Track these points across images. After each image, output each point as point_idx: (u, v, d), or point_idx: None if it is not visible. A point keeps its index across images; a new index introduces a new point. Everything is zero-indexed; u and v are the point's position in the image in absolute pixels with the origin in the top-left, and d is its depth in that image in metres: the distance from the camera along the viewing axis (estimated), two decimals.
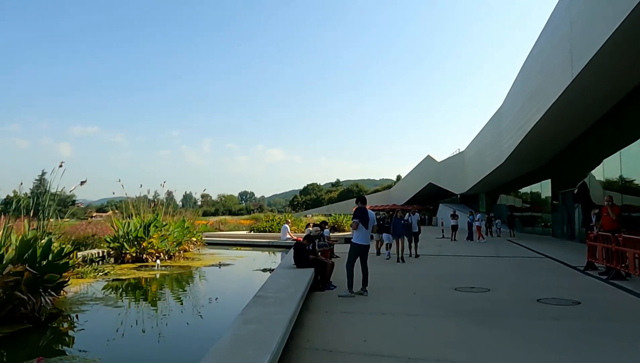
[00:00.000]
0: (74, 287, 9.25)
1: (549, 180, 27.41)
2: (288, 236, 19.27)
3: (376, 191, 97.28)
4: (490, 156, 30.73)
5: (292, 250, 9.77)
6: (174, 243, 14.19)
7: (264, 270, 11.81)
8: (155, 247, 13.28)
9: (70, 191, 8.30)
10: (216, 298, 9.05)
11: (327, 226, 15.13)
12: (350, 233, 22.90)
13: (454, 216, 24.35)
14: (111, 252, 13.37)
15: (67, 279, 8.35)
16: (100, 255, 13.37)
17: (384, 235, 14.10)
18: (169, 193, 24.60)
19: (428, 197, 60.66)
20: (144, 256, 13.14)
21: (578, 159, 22.19)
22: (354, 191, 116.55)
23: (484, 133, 34.08)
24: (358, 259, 8.06)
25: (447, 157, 50.83)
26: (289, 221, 21.39)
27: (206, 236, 22.94)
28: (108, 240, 13.27)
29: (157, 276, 11.26)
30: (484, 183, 36.84)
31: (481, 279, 9.75)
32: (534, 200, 31.48)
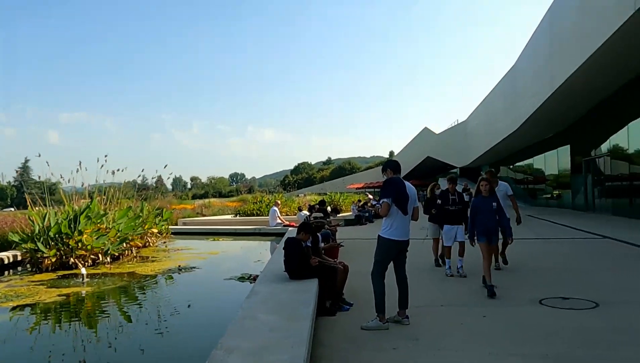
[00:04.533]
0: None
1: (568, 146, 24.46)
2: (278, 221, 16.08)
3: (369, 167, 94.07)
4: (502, 122, 27.53)
5: (281, 247, 6.53)
6: (118, 240, 10.64)
7: (241, 279, 8.33)
8: (89, 247, 9.67)
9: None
10: None
11: (326, 207, 11.90)
12: (350, 213, 19.99)
13: (466, 190, 21.29)
14: (27, 257, 9.73)
15: None
16: (17, 259, 9.87)
17: (447, 228, 7.33)
18: (159, 178, 21.29)
19: (426, 172, 57.80)
20: (72, 260, 9.29)
21: (602, 122, 19.26)
22: (346, 169, 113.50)
23: (493, 98, 30.85)
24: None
25: (446, 128, 47.77)
26: (279, 202, 18.11)
27: (183, 224, 19.77)
28: (17, 239, 9.66)
29: (79, 294, 7.29)
30: (491, 153, 33.82)
31: (561, 279, 6.66)
32: (546, 170, 28.57)
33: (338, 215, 14.93)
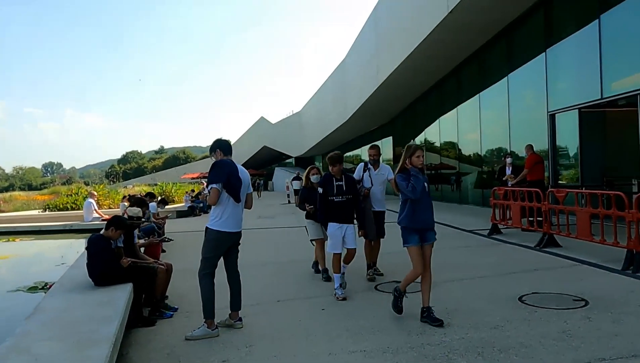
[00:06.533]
0: None
1: (390, 138, 26.70)
2: (95, 215, 14.01)
3: (206, 156, 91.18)
4: (333, 113, 28.81)
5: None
6: None
7: (33, 289, 6.69)
8: None
9: None
10: None
11: (155, 200, 10.65)
12: (183, 204, 18.71)
13: (298, 178, 21.85)
14: None
15: None
16: None
17: (332, 227, 5.22)
18: None
19: (263, 161, 58.27)
20: None
21: (419, 117, 21.46)
22: (180, 158, 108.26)
23: (325, 90, 32.06)
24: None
25: (282, 118, 48.41)
26: (95, 193, 15.88)
27: None
28: None
29: None
30: (324, 143, 35.29)
31: (391, 263, 6.71)
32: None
33: (166, 206, 13.63)
